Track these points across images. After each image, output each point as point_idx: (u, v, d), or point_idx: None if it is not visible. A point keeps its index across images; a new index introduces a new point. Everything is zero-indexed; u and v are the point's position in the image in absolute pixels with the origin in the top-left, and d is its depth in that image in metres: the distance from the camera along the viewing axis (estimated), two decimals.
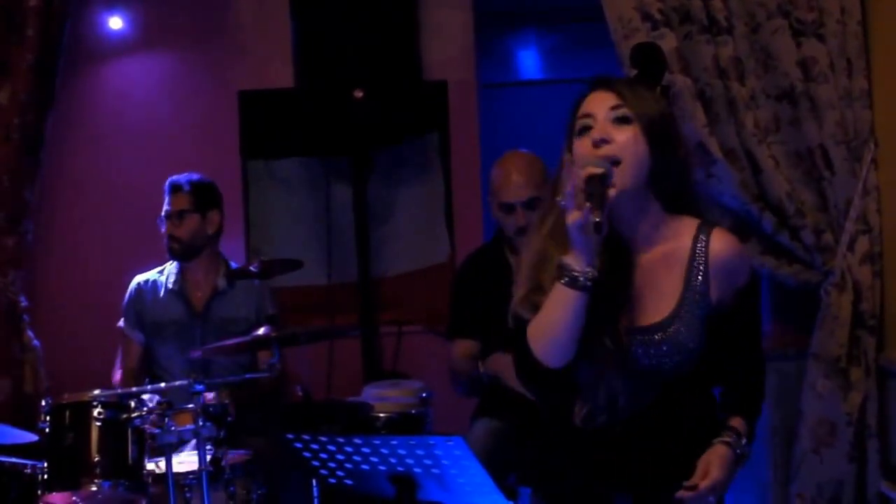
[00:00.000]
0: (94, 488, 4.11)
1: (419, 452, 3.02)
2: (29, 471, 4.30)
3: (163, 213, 5.11)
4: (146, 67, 6.08)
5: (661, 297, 2.81)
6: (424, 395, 5.09)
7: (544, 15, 7.12)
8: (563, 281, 2.69)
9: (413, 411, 5.04)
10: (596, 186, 2.63)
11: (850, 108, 4.64)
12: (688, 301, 2.79)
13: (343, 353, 5.96)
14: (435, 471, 3.05)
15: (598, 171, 2.66)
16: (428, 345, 6.03)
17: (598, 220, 2.59)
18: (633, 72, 4.14)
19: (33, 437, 4.39)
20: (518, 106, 7.42)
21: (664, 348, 2.78)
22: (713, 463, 2.82)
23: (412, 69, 5.74)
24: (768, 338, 5.01)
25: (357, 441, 3.11)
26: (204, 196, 5.14)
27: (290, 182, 6.16)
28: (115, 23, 5.95)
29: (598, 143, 2.74)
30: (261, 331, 4.53)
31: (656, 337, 2.79)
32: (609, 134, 2.75)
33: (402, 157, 6.10)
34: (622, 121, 2.77)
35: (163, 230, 5.11)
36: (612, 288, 2.77)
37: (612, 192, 2.67)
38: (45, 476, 4.15)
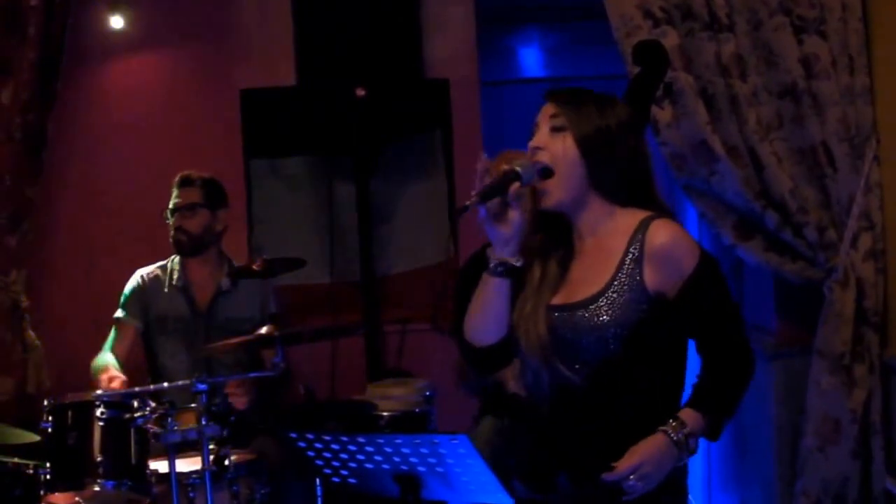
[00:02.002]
0: (96, 488, 4.12)
1: (423, 451, 3.03)
2: (31, 471, 4.30)
3: (171, 206, 5.09)
4: (148, 66, 6.09)
5: (591, 279, 2.96)
6: (428, 393, 5.10)
7: (546, 13, 7.14)
8: (485, 268, 2.99)
9: (417, 410, 5.06)
10: (500, 180, 2.91)
11: (853, 105, 4.64)
12: (616, 284, 2.92)
13: (346, 352, 5.97)
14: (439, 469, 3.06)
15: (507, 167, 2.92)
16: (431, 343, 6.05)
17: (466, 203, 2.89)
18: (636, 69, 4.16)
19: (36, 437, 4.39)
20: (520, 103, 7.42)
21: (585, 325, 2.91)
22: (639, 449, 2.89)
23: (414, 67, 5.76)
24: (772, 335, 5.04)
25: (361, 440, 3.12)
26: (214, 193, 5.15)
27: (292, 180, 6.17)
28: (117, 22, 5.96)
29: (533, 151, 2.98)
30: (264, 329, 4.53)
31: (578, 314, 2.93)
32: (544, 142, 2.98)
33: (405, 154, 6.11)
34: (557, 130, 2.98)
35: (169, 222, 5.09)
36: (543, 270, 3.03)
37: (514, 187, 2.90)
38: (48, 476, 4.16)
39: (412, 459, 3.07)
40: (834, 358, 4.66)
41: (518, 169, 2.89)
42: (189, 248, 5.11)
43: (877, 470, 4.68)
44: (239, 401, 4.67)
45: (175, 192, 5.11)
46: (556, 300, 2.99)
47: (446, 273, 5.99)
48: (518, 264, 2.96)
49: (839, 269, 4.64)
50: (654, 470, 2.88)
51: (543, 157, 2.94)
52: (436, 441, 3.00)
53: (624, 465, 2.86)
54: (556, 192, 2.94)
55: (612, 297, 2.90)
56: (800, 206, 4.62)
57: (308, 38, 5.61)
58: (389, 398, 5.10)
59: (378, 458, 3.13)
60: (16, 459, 4.39)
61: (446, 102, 5.95)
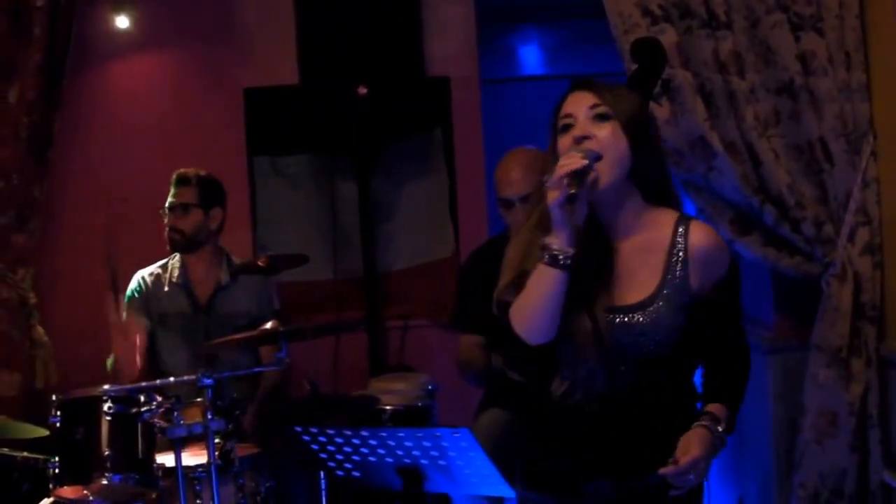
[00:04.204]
0: (104, 482, 4.12)
1: (426, 444, 3.06)
2: (40, 465, 4.35)
3: (167, 204, 5.10)
4: (152, 66, 6.11)
5: (641, 280, 2.92)
6: (430, 387, 5.11)
7: (545, 11, 7.14)
8: (544, 260, 2.83)
9: (419, 404, 5.07)
10: (577, 171, 2.77)
11: (849, 101, 4.65)
12: (668, 285, 2.90)
13: (349, 348, 5.99)
14: (441, 462, 3.09)
15: (582, 163, 2.79)
16: (433, 338, 6.08)
17: (573, 191, 2.74)
18: (634, 66, 4.19)
19: (44, 432, 4.43)
20: (520, 101, 7.45)
21: (643, 327, 2.88)
22: (694, 442, 2.87)
23: (415, 66, 5.78)
24: (770, 329, 5.06)
25: (364, 433, 3.15)
26: (209, 193, 5.13)
27: (295, 178, 6.19)
28: (122, 22, 5.98)
29: (579, 140, 2.87)
30: (268, 325, 4.55)
31: (636, 316, 2.89)
32: (590, 131, 2.88)
33: (406, 152, 6.13)
34: (602, 118, 2.90)
35: (165, 221, 5.10)
36: (593, 270, 2.91)
37: (592, 176, 2.81)
38: (57, 470, 4.19)
39: (415, 453, 3.10)
40: (831, 352, 4.68)
41: (586, 160, 2.80)
42: (182, 246, 5.11)
43: (874, 463, 4.69)
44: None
45: (171, 191, 5.11)
46: (609, 301, 2.92)
47: (447, 269, 6.01)
48: (576, 258, 2.85)
49: (836, 264, 4.66)
50: (707, 463, 2.88)
51: (593, 146, 2.85)
52: (438, 434, 3.04)
53: (686, 458, 2.83)
54: (606, 175, 2.85)
55: (665, 299, 2.89)
56: (797, 201, 4.64)
57: (310, 37, 5.63)
58: (392, 393, 5.11)
59: (381, 451, 3.16)
60: (24, 454, 4.43)
61: (447, 100, 5.99)
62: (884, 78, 4.64)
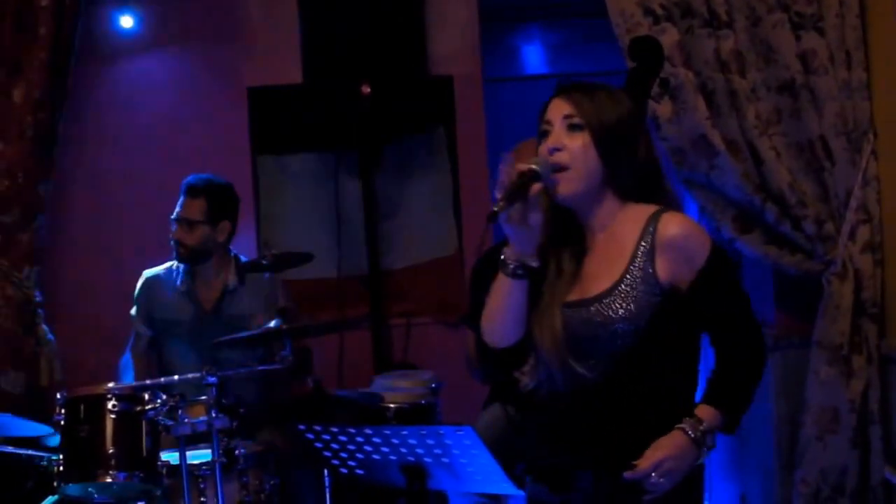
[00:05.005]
0: (109, 480, 4.13)
1: (429, 442, 3.06)
2: (45, 463, 4.36)
3: (173, 215, 5.00)
4: (157, 65, 6.11)
5: (603, 275, 2.91)
6: (434, 385, 5.12)
7: (548, 10, 7.14)
8: (502, 269, 2.92)
9: (423, 401, 5.07)
10: (520, 181, 2.81)
11: (850, 100, 4.68)
12: (629, 278, 2.87)
13: (353, 345, 6.00)
14: (445, 460, 3.09)
15: (523, 167, 2.82)
16: (437, 336, 6.09)
17: (494, 209, 2.77)
18: (633, 65, 4.21)
19: (49, 430, 4.44)
20: (523, 100, 7.45)
21: (600, 320, 2.86)
22: (661, 446, 2.84)
23: (418, 64, 5.78)
24: (772, 327, 5.07)
25: (368, 431, 3.16)
26: (218, 206, 5.01)
27: (299, 176, 6.21)
28: (127, 21, 5.98)
29: (551, 151, 2.89)
30: (272, 323, 4.56)
31: (592, 309, 2.88)
32: (561, 142, 2.90)
33: (410, 151, 6.15)
34: (574, 128, 2.90)
35: (171, 232, 5.01)
36: (557, 268, 2.95)
37: (535, 189, 2.82)
38: (61, 468, 4.18)
39: (418, 450, 3.11)
40: (832, 349, 4.71)
41: (537, 168, 2.83)
42: (188, 258, 5.03)
43: (875, 459, 4.72)
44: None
45: (180, 200, 5.01)
46: (571, 297, 2.93)
47: (451, 267, 6.03)
48: (535, 265, 2.90)
49: (837, 262, 4.68)
50: (676, 467, 2.84)
51: (563, 158, 2.87)
52: (441, 432, 3.04)
53: (645, 462, 2.82)
54: (573, 184, 2.87)
55: (624, 290, 2.85)
56: (798, 199, 4.67)
57: (314, 36, 5.63)
58: (396, 390, 5.13)
59: (385, 449, 3.16)
60: (29, 452, 4.45)
61: (450, 99, 5.99)
62: (884, 77, 4.67)
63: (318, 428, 3.24)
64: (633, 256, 2.88)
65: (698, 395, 3.00)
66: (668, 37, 4.61)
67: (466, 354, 4.76)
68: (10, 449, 4.46)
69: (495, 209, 2.77)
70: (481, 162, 6.05)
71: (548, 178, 2.85)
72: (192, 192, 5.00)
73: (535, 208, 2.84)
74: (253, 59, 6.04)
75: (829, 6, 4.66)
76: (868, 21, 4.71)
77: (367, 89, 5.63)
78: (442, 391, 5.17)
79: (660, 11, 4.67)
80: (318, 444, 3.28)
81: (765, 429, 5.11)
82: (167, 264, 5.19)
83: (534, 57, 7.94)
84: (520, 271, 2.89)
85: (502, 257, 2.92)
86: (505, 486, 3.11)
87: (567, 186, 2.88)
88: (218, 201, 5.02)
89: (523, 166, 2.83)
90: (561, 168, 2.86)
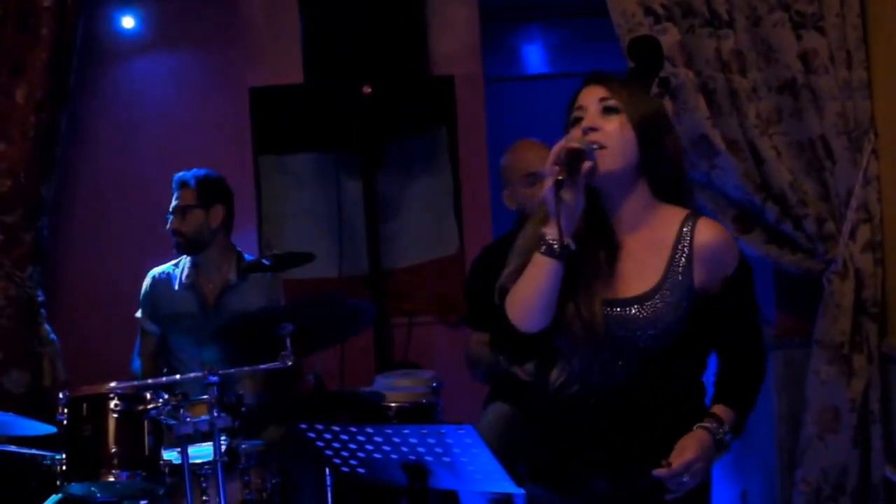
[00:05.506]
0: (111, 479, 4.13)
1: (430, 441, 3.07)
2: (48, 462, 4.37)
3: (170, 209, 5.11)
4: (159, 66, 6.12)
5: (642, 275, 2.91)
6: (435, 384, 5.12)
7: (550, 10, 7.13)
8: (539, 249, 2.84)
9: (424, 401, 5.06)
10: (571, 158, 2.79)
11: (851, 100, 4.68)
12: (669, 281, 2.88)
13: (355, 344, 6.00)
14: (446, 459, 3.10)
15: (575, 145, 2.81)
16: (438, 335, 6.10)
17: (560, 177, 2.75)
18: (632, 64, 4.22)
19: (51, 429, 4.45)
20: (524, 100, 7.46)
21: (640, 322, 2.86)
22: (689, 445, 2.86)
23: (420, 64, 5.78)
24: (773, 326, 5.08)
25: (369, 430, 3.16)
26: (208, 191, 5.12)
27: (301, 177, 6.21)
28: (128, 22, 6.01)
29: (586, 131, 2.87)
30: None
31: (633, 310, 2.88)
32: (597, 123, 2.89)
33: (411, 151, 6.15)
34: (610, 111, 2.91)
35: (168, 223, 5.11)
36: (595, 263, 2.91)
37: (586, 166, 2.80)
38: (64, 467, 4.17)
39: (419, 449, 3.11)
40: (833, 348, 4.71)
41: (583, 147, 2.82)
42: (186, 248, 5.11)
43: (876, 458, 4.72)
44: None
45: (173, 195, 5.12)
46: (609, 294, 2.90)
47: (452, 267, 6.04)
48: (574, 248, 2.83)
49: (838, 261, 4.69)
50: (704, 466, 2.86)
51: (598, 137, 2.86)
52: (442, 431, 3.05)
53: (679, 461, 2.81)
54: (611, 161, 2.85)
55: (665, 293, 2.87)
56: (799, 198, 4.67)
57: (315, 37, 5.63)
58: (397, 390, 5.13)
59: (386, 448, 3.17)
60: (32, 451, 4.46)
61: (451, 99, 6.00)
62: (885, 76, 4.67)
63: (319, 427, 3.25)
64: (672, 260, 2.90)
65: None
66: (670, 36, 4.62)
67: (466, 354, 4.77)
68: (13, 448, 4.47)
69: (559, 177, 2.75)
70: (482, 162, 6.06)
71: (592, 157, 2.83)
72: (182, 183, 5.14)
73: (580, 189, 2.82)
74: (254, 60, 6.05)
75: (829, 6, 4.66)
76: (869, 20, 4.71)
77: (368, 89, 5.63)
78: (443, 390, 5.17)
79: (661, 11, 4.67)
80: (320, 443, 3.29)
81: (765, 428, 5.11)
82: (173, 262, 5.26)
83: (535, 57, 7.93)
84: (563, 251, 2.81)
85: (542, 236, 2.85)
86: (506, 486, 3.11)
87: (606, 163, 2.85)
88: (207, 186, 5.14)
89: (571, 144, 2.82)
90: (598, 146, 2.85)
